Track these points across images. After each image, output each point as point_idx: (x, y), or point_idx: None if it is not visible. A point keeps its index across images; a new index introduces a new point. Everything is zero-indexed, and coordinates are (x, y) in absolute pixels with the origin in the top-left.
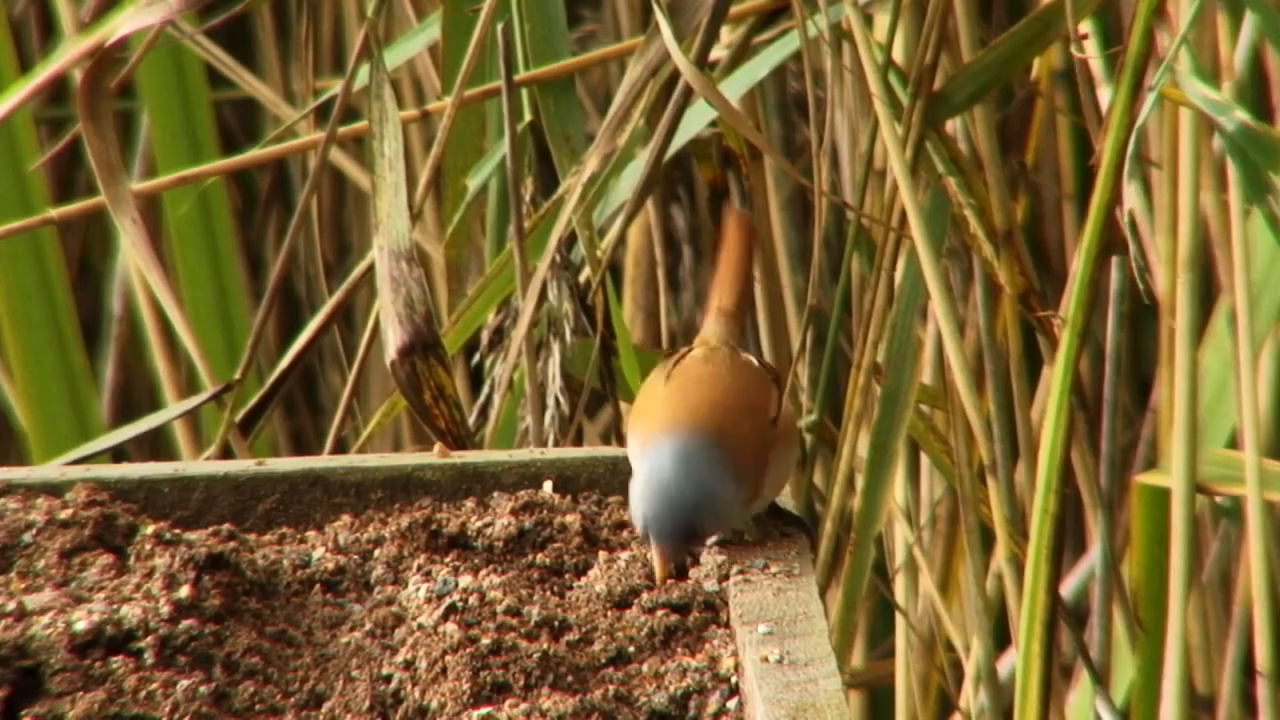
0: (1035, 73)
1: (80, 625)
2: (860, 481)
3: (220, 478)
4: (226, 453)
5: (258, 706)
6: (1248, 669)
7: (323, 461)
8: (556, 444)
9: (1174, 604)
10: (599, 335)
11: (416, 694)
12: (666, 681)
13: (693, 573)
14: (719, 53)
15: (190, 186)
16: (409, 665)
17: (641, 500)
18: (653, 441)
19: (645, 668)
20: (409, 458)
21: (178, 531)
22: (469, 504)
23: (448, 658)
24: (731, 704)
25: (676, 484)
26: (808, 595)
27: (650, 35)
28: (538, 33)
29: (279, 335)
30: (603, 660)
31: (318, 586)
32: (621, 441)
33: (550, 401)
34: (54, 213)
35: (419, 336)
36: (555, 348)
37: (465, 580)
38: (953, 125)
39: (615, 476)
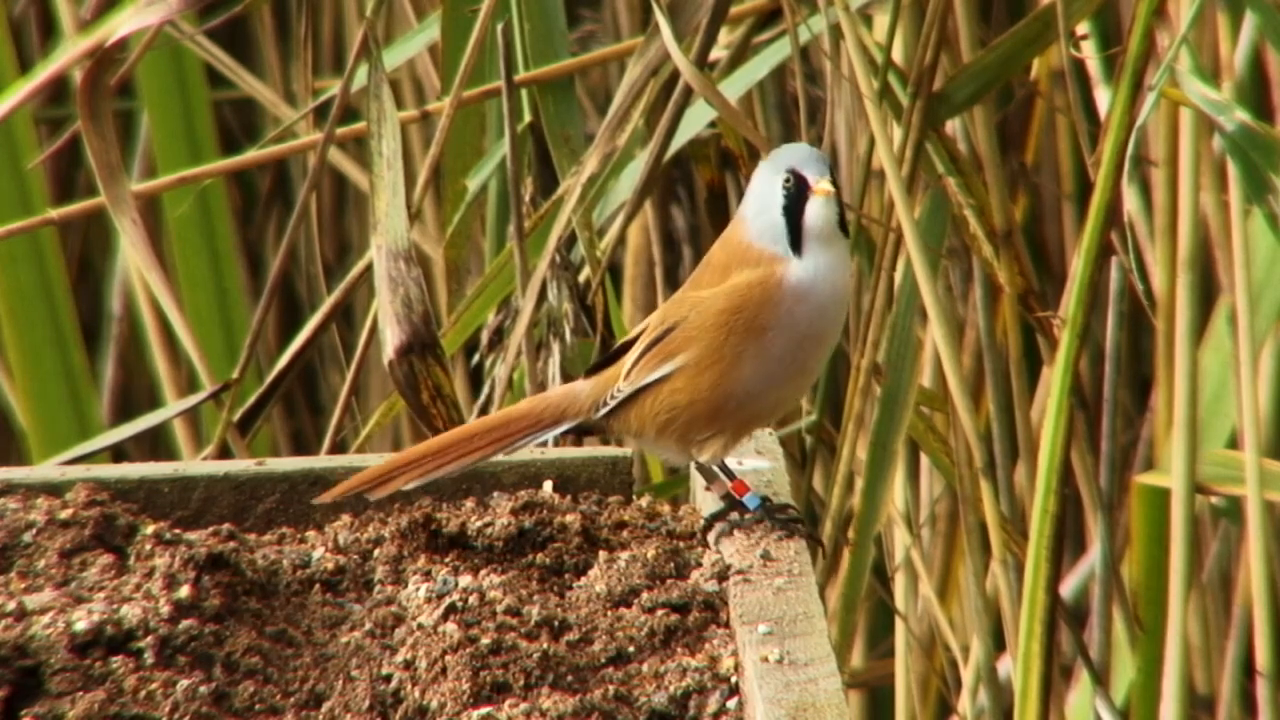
0: (1035, 73)
1: (80, 625)
2: (860, 482)
3: (220, 477)
4: (225, 452)
5: (258, 706)
6: (1248, 669)
7: (323, 461)
8: (556, 444)
9: (1174, 604)
10: (599, 335)
11: (416, 694)
12: (666, 681)
13: (693, 573)
14: (719, 53)
15: (190, 186)
16: (409, 665)
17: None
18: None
19: (645, 668)
20: None
21: (178, 531)
22: (469, 504)
23: (448, 657)
24: (731, 704)
25: None
26: (808, 595)
27: (650, 35)
28: (538, 33)
29: (278, 334)
30: (603, 660)
31: (318, 586)
32: (621, 442)
33: None
34: (54, 213)
35: (417, 336)
36: (555, 348)
37: (465, 580)
38: (953, 125)
39: (615, 476)
